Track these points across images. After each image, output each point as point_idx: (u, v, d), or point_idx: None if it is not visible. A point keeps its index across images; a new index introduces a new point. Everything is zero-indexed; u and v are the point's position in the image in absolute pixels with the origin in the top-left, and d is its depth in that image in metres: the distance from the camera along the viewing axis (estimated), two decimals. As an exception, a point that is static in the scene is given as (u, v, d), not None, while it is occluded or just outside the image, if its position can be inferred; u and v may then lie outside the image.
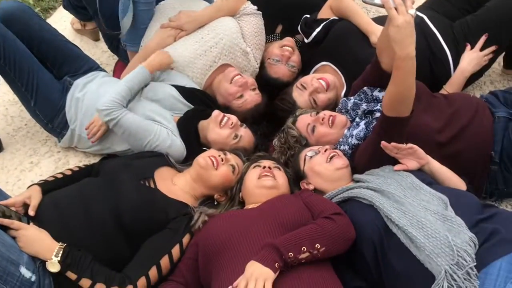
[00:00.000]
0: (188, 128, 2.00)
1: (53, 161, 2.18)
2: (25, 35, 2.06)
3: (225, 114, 1.97)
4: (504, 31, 2.09)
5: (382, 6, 1.43)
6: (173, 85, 2.09)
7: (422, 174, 1.66)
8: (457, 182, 1.70)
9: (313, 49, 2.31)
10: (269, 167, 1.73)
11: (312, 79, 2.11)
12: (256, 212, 1.59)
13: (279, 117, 2.14)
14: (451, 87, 2.11)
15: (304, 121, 1.98)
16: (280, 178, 1.73)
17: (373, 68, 1.83)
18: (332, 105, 2.12)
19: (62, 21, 2.78)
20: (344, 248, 1.45)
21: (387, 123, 1.62)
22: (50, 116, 2.07)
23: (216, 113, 1.96)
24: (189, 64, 2.15)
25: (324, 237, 1.40)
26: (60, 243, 1.52)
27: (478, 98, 1.96)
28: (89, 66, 2.21)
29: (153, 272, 1.55)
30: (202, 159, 1.77)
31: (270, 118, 2.19)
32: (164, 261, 1.58)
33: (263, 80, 2.23)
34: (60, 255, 1.49)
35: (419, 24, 2.01)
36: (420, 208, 1.45)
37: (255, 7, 2.26)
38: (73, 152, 2.20)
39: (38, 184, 1.70)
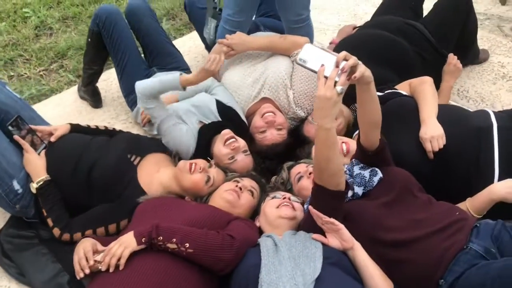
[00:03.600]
0: (205, 136, 2.27)
1: (125, 127, 2.71)
2: (136, 26, 2.65)
3: (234, 136, 2.18)
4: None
5: (315, 71, 1.45)
6: (216, 99, 2.40)
7: (342, 259, 1.60)
8: (380, 285, 1.58)
9: None
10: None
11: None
12: (186, 205, 1.83)
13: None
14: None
15: (297, 169, 2.06)
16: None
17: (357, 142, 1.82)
18: None
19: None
20: (209, 264, 1.58)
21: (315, 189, 1.63)
22: (127, 92, 2.61)
23: (225, 131, 2.20)
24: (236, 89, 2.43)
25: (199, 243, 1.56)
26: (46, 176, 2.01)
27: (466, 217, 1.71)
28: (177, 65, 2.68)
29: (88, 233, 1.91)
30: (183, 162, 2.05)
31: (284, 159, 2.30)
32: (100, 230, 1.94)
33: (260, 154, 2.27)
34: (39, 184, 1.99)
35: None
36: (289, 277, 1.45)
37: None
38: (138, 126, 2.70)
39: (70, 123, 2.23)
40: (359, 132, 1.79)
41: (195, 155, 2.24)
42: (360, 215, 1.69)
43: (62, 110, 2.87)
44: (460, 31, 2.73)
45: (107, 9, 2.57)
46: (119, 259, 1.53)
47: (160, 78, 2.27)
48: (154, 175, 2.08)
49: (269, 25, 2.76)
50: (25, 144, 2.04)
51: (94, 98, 2.84)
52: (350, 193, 1.77)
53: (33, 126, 2.11)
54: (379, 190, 1.76)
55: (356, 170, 1.83)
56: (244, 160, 2.17)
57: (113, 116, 2.81)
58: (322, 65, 1.42)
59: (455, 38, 2.72)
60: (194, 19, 2.92)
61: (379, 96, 2.17)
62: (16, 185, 2.00)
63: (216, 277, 1.65)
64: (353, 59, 1.43)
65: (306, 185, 1.95)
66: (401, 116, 2.10)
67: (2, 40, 3.57)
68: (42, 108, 2.89)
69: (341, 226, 1.62)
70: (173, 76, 2.22)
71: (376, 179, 1.77)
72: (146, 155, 2.13)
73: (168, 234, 1.56)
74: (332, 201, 1.61)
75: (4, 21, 3.82)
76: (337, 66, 1.42)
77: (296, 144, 2.32)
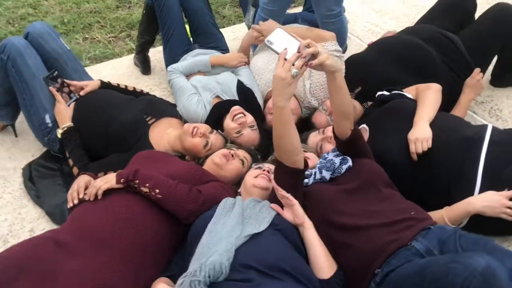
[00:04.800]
0: (218, 110, 2.47)
1: (163, 95, 2.99)
2: (185, 5, 2.90)
3: (243, 112, 2.36)
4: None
5: (277, 53, 1.55)
6: (238, 79, 2.59)
7: (290, 229, 1.70)
8: (322, 264, 1.67)
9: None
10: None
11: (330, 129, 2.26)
12: (174, 162, 2.06)
13: None
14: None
15: (313, 139, 2.21)
16: None
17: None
18: None
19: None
20: (174, 210, 1.78)
21: (276, 164, 1.75)
22: (168, 62, 2.86)
23: (234, 107, 2.38)
24: (259, 73, 2.60)
25: (168, 190, 1.77)
26: (71, 123, 2.34)
27: (421, 218, 1.70)
28: (217, 45, 2.91)
29: (100, 175, 2.15)
30: (187, 125, 2.27)
31: None
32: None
33: (270, 133, 2.35)
34: (64, 129, 2.33)
35: None
36: (229, 229, 1.62)
37: (338, 49, 2.49)
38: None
39: (101, 80, 2.54)
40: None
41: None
42: (319, 195, 1.79)
43: (115, 72, 3.22)
44: (502, 49, 2.67)
45: (162, -13, 2.85)
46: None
47: (192, 60, 2.60)
48: (164, 134, 2.32)
49: (307, 19, 2.88)
50: (57, 95, 2.38)
51: (144, 65, 3.16)
52: (318, 176, 1.88)
53: (67, 81, 2.45)
54: (345, 178, 1.85)
55: (330, 156, 1.92)
56: (250, 134, 2.33)
57: (156, 83, 3.11)
58: (285, 48, 1.54)
59: (492, 56, 2.66)
60: (242, 5, 3.12)
61: (385, 95, 2.26)
62: (47, 119, 2.37)
63: (181, 225, 1.85)
64: (314, 47, 1.54)
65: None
66: (397, 116, 2.15)
67: (88, 7, 4.04)
68: (100, 68, 3.29)
69: (295, 202, 1.73)
70: (204, 59, 2.52)
71: (345, 167, 1.86)
72: (161, 118, 2.38)
73: (144, 179, 1.79)
74: (290, 177, 1.73)
75: (95, -9, 4.31)
76: (298, 51, 1.53)
77: (303, 129, 2.44)
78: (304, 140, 2.30)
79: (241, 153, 2.17)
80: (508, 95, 2.87)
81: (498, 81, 2.90)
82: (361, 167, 1.86)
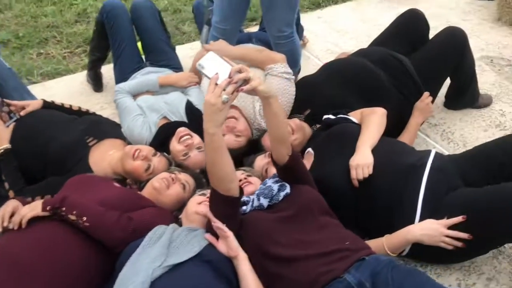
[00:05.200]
0: (164, 132, 2.40)
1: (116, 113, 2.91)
2: (137, 22, 2.87)
3: (189, 133, 2.29)
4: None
5: (209, 78, 1.51)
6: (188, 99, 2.53)
7: (222, 261, 1.64)
8: None
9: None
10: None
11: None
12: (107, 186, 1.98)
13: None
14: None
15: (259, 163, 2.16)
16: None
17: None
18: None
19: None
20: (102, 239, 1.71)
21: (210, 192, 1.69)
22: (118, 80, 2.80)
23: (180, 129, 2.31)
24: (210, 92, 2.54)
25: (95, 218, 1.70)
26: (8, 145, 2.24)
27: (356, 248, 1.64)
28: (168, 63, 2.86)
29: (37, 199, 2.05)
30: (129, 147, 2.20)
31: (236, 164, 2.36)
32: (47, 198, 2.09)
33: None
34: (0, 151, 2.22)
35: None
36: (151, 259, 1.55)
37: (288, 71, 2.46)
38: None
39: (44, 100, 2.45)
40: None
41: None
42: (255, 224, 1.73)
43: (67, 89, 3.14)
44: (454, 72, 2.68)
45: (113, 3, 2.80)
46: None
47: (140, 79, 2.54)
48: (105, 156, 2.24)
49: (262, 39, 2.85)
50: None
51: (95, 82, 3.09)
52: (256, 203, 1.82)
53: (6, 100, 2.36)
54: (282, 205, 1.79)
55: (269, 182, 1.87)
56: (197, 156, 2.27)
57: (107, 101, 3.03)
58: (217, 73, 1.50)
59: (443, 78, 2.67)
60: (198, 23, 3.08)
61: (330, 119, 2.22)
62: None
63: (112, 254, 1.76)
64: (246, 73, 1.50)
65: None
66: (340, 141, 2.11)
67: (45, 21, 3.95)
68: (52, 85, 3.21)
69: (229, 234, 1.67)
70: (152, 79, 2.49)
71: (282, 194, 1.81)
72: (103, 139, 2.30)
73: (70, 206, 1.71)
74: (224, 205, 1.67)
75: (55, 5, 4.23)
76: (229, 76, 1.49)
77: (251, 152, 2.39)
78: (250, 164, 2.25)
79: (183, 176, 2.10)
80: (461, 118, 2.87)
81: (451, 103, 2.91)
82: (299, 194, 1.81)
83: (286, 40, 2.59)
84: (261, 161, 2.22)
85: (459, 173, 1.97)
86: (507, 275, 1.96)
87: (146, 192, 2.03)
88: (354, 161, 1.96)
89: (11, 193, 2.15)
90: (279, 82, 2.46)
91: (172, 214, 1.99)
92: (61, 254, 1.64)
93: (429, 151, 2.05)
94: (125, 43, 2.78)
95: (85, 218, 1.69)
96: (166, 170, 2.18)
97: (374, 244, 1.87)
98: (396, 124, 2.48)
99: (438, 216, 1.82)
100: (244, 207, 1.83)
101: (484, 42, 3.64)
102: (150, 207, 1.92)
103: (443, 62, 2.58)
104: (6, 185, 2.17)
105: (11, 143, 2.26)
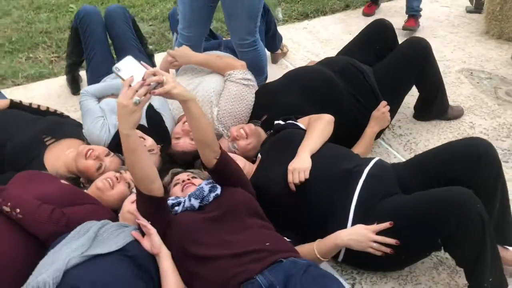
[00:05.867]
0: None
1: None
2: (109, 28, 2.94)
3: (143, 136, 2.34)
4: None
5: (123, 80, 1.55)
6: (150, 103, 2.59)
7: (144, 258, 1.68)
8: None
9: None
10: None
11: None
12: (51, 182, 2.04)
13: None
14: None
15: (179, 176, 2.13)
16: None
17: None
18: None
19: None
20: (33, 231, 1.74)
21: (136, 190, 1.73)
22: (91, 83, 2.87)
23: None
24: (172, 97, 2.60)
25: (28, 211, 1.75)
26: None
27: (275, 249, 1.65)
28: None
29: None
30: (83, 146, 2.26)
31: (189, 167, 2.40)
32: None
33: (171, 158, 2.38)
34: None
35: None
36: (72, 249, 1.60)
37: (246, 77, 2.50)
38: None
39: (11, 100, 2.55)
40: None
41: (111, 148, 2.43)
42: (182, 224, 1.76)
43: (46, 92, 3.24)
44: (420, 83, 2.67)
45: (87, 9, 2.89)
46: None
47: (106, 83, 2.58)
48: (61, 155, 2.30)
49: (230, 46, 2.88)
50: None
51: (72, 85, 3.18)
52: (187, 204, 1.85)
53: None
54: (212, 206, 1.82)
55: (202, 184, 1.90)
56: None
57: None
58: (132, 76, 1.55)
59: (404, 89, 2.66)
60: (172, 30, 3.15)
61: (279, 124, 2.24)
62: None
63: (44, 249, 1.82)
64: (159, 76, 1.54)
65: (175, 191, 2.04)
66: (283, 146, 2.13)
67: (39, 27, 4.09)
68: (33, 87, 3.32)
69: (153, 231, 1.71)
70: (117, 82, 2.54)
71: (212, 195, 1.84)
72: (62, 139, 2.37)
73: (6, 198, 1.77)
74: (148, 205, 1.71)
75: (52, 12, 4.38)
76: (143, 79, 1.53)
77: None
78: (200, 166, 2.28)
79: (129, 175, 2.14)
80: (429, 129, 2.85)
81: (419, 114, 2.89)
82: (229, 195, 1.84)
83: (248, 48, 2.63)
84: (223, 143, 2.28)
85: (397, 181, 1.97)
86: (444, 286, 1.94)
87: (91, 191, 2.09)
88: (292, 165, 1.97)
89: None
90: (237, 88, 2.50)
91: (112, 212, 2.03)
92: None
93: (370, 159, 2.05)
94: (97, 48, 2.86)
95: (18, 210, 1.75)
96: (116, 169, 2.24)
97: (306, 248, 1.88)
98: (353, 133, 2.49)
99: (368, 222, 1.82)
100: (176, 208, 1.87)
101: (468, 55, 3.61)
102: (89, 204, 1.97)
103: (403, 72, 2.58)
104: None
105: None
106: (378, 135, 2.63)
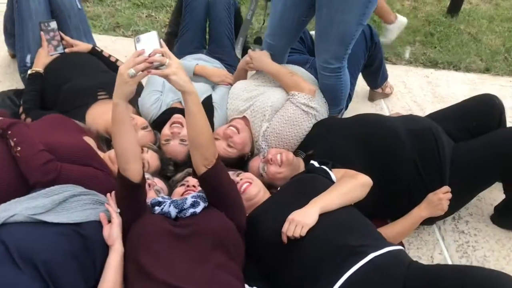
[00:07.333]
0: (169, 114, 2.38)
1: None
2: (210, 11, 2.90)
3: (182, 123, 2.27)
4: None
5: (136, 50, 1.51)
6: (211, 94, 2.52)
7: (95, 242, 1.62)
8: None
9: None
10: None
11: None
12: (69, 133, 2.07)
13: None
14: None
15: (189, 179, 2.04)
16: None
17: None
18: None
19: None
20: (24, 172, 1.76)
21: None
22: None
23: (177, 115, 2.31)
24: (232, 97, 2.51)
25: (27, 153, 1.77)
26: (40, 69, 2.47)
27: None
28: (224, 57, 2.84)
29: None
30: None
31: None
32: None
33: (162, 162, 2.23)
34: (32, 72, 2.47)
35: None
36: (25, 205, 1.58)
37: (310, 104, 2.32)
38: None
39: (93, 46, 2.66)
40: None
41: (153, 124, 2.41)
42: (146, 226, 1.64)
43: (123, 49, 3.21)
44: (510, 184, 2.23)
45: (193, -13, 2.89)
46: None
47: (182, 62, 2.59)
48: (106, 113, 2.29)
49: (316, 67, 2.66)
50: (44, 42, 2.54)
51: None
52: (166, 209, 1.72)
53: (62, 34, 2.58)
54: (185, 222, 1.67)
55: (190, 195, 1.77)
56: (175, 146, 2.23)
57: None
58: (143, 49, 1.50)
59: (482, 182, 2.24)
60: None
61: (313, 166, 2.01)
62: (28, 59, 2.55)
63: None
64: (162, 58, 1.49)
65: (176, 191, 1.98)
66: (300, 191, 1.89)
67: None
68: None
69: (116, 221, 1.64)
70: (190, 64, 2.56)
71: (190, 211, 1.68)
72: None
73: (14, 133, 1.82)
74: (121, 186, 1.64)
75: None
76: (149, 55, 1.49)
77: (235, 167, 2.27)
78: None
79: (148, 156, 2.13)
80: (500, 239, 2.35)
81: (498, 218, 2.40)
82: (205, 218, 1.66)
83: (331, 74, 2.39)
84: (255, 161, 2.20)
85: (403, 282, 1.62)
86: None
87: (105, 157, 2.07)
88: (293, 215, 1.73)
89: (21, 108, 2.37)
90: (294, 111, 2.31)
91: (112, 184, 1.98)
92: None
93: (388, 244, 1.70)
94: (190, 26, 2.85)
95: (19, 148, 1.78)
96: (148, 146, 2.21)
97: None
98: (397, 206, 2.15)
99: None
100: (156, 208, 1.75)
101: None
102: (92, 167, 1.94)
103: (491, 162, 2.14)
104: (22, 99, 2.40)
105: (44, 70, 2.49)
106: (432, 221, 2.24)
